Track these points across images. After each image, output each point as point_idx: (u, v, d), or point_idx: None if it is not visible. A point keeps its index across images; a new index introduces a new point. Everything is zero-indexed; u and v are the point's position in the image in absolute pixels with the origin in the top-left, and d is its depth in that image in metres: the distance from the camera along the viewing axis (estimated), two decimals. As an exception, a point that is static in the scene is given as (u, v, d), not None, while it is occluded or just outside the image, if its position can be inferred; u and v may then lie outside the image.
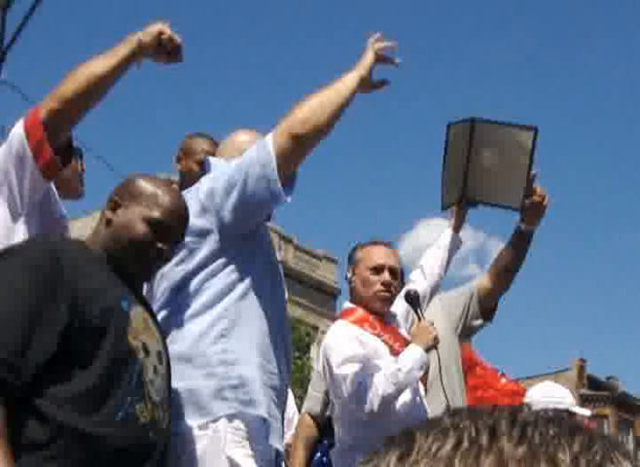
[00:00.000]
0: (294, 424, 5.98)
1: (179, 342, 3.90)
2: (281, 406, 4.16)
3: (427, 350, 4.93)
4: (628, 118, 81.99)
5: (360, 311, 5.15)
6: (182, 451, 3.79)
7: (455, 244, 5.62)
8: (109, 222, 3.66)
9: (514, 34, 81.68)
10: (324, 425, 5.64)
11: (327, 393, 5.42)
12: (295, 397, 6.20)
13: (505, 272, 5.65)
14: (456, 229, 5.59)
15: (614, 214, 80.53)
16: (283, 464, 5.37)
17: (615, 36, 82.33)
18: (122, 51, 3.83)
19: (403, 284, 5.29)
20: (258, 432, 3.93)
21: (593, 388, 46.21)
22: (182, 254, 3.95)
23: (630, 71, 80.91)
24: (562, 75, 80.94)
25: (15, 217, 3.87)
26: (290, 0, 78.89)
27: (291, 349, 4.45)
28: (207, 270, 4.02)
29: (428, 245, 5.80)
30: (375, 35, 4.24)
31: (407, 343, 5.01)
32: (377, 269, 5.14)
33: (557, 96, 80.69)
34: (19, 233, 3.82)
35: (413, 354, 4.88)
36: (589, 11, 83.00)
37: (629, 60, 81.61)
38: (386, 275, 5.13)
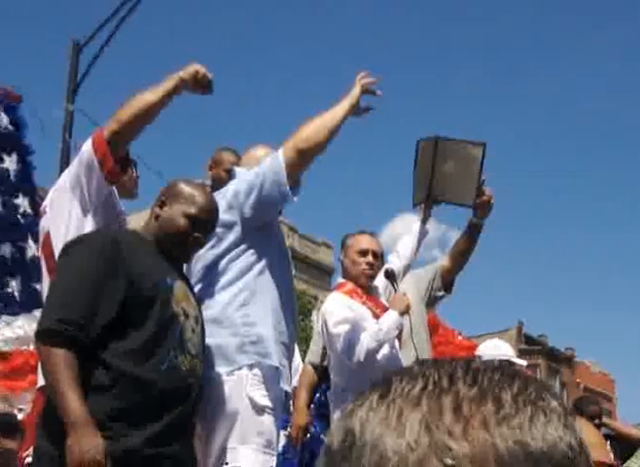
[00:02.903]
0: (299, 372, 5.97)
1: (211, 309, 3.91)
2: (289, 357, 4.17)
3: (401, 315, 4.94)
4: (567, 132, 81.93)
5: (350, 285, 5.15)
6: (213, 393, 3.80)
7: (423, 233, 5.62)
8: (157, 217, 3.67)
9: (474, 66, 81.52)
10: (322, 373, 5.64)
11: (324, 348, 5.42)
12: (299, 351, 6.18)
13: (460, 255, 5.66)
14: (424, 221, 5.59)
15: (552, 198, 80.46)
16: (291, 402, 5.38)
17: (559, 70, 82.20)
18: (167, 85, 3.84)
19: (383, 264, 5.29)
20: (272, 378, 3.93)
21: (528, 344, 46.16)
22: (213, 241, 3.96)
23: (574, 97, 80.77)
24: (516, 98, 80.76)
25: (85, 213, 3.87)
26: (297, 47, 78.72)
27: (297, 314, 4.45)
28: (232, 254, 4.03)
29: (402, 234, 5.80)
30: (362, 73, 4.25)
31: (386, 309, 5.02)
32: (363, 253, 5.15)
33: (511, 115, 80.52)
34: (88, 226, 3.83)
35: (391, 317, 4.89)
36: (541, 43, 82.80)
37: (571, 89, 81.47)
38: (370, 257, 5.14)
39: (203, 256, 4.03)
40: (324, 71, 73.04)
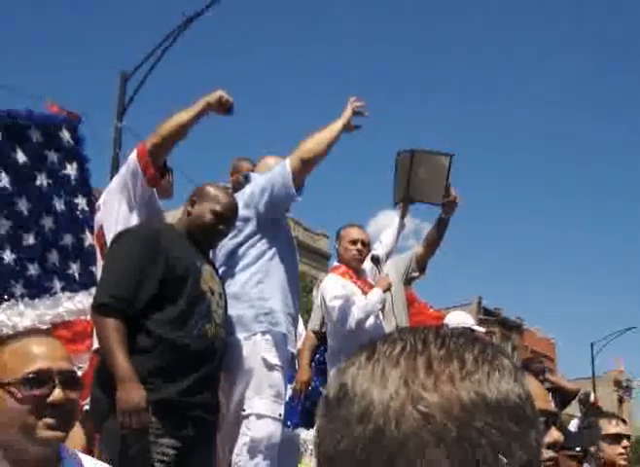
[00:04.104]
0: (302, 337, 5.97)
1: (232, 286, 3.91)
2: (294, 325, 4.17)
3: (384, 292, 4.95)
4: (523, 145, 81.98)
5: (343, 268, 5.15)
6: (234, 353, 3.80)
7: (401, 226, 5.62)
8: (189, 213, 3.68)
9: (445, 89, 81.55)
10: (321, 338, 5.64)
11: (323, 318, 5.43)
12: (302, 320, 6.17)
13: (431, 244, 5.65)
14: (402, 217, 5.58)
15: (507, 189, 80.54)
16: (296, 361, 5.38)
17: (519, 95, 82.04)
18: (196, 107, 3.84)
19: (369, 251, 5.29)
20: (280, 342, 3.94)
21: (486, 315, 46.09)
22: (234, 232, 3.95)
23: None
24: (481, 115, 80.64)
25: (131, 210, 3.87)
26: (303, 77, 78.80)
27: (299, 291, 4.45)
28: (249, 243, 4.03)
29: (385, 227, 5.80)
30: (353, 97, 4.25)
31: (372, 287, 5.02)
32: (354, 242, 5.15)
33: (473, 132, 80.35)
34: (133, 220, 3.83)
35: (376, 294, 4.90)
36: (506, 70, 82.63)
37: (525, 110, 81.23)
38: (359, 246, 5.14)
39: (226, 244, 4.03)
40: (322, 96, 73.10)
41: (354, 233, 5.22)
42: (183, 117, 3.83)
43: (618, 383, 54.91)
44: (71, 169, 4.91)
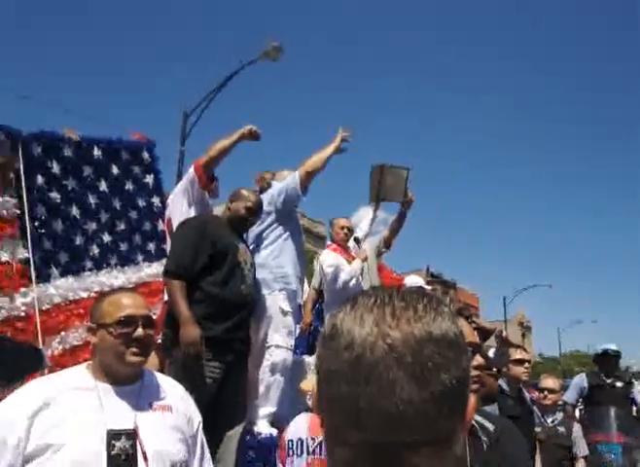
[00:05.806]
0: (306, 293, 5.98)
1: (258, 259, 3.90)
2: (301, 285, 4.17)
3: (363, 262, 4.95)
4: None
5: (334, 246, 5.14)
6: (260, 305, 3.80)
7: (374, 218, 5.61)
8: (229, 208, 3.67)
9: (408, 115, 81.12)
10: (319, 293, 5.65)
11: (321, 280, 5.43)
12: (307, 281, 6.16)
13: (394, 230, 5.65)
14: (375, 211, 5.58)
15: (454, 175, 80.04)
16: (302, 309, 5.39)
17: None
18: (234, 136, 3.83)
19: (352, 234, 5.29)
20: (292, 296, 3.94)
21: (432, 277, 46.09)
22: (260, 221, 3.95)
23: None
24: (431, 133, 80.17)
25: (189, 206, 3.87)
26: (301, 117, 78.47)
27: (305, 262, 4.45)
28: (270, 228, 4.02)
29: (363, 218, 5.79)
30: (342, 127, 4.24)
31: (354, 259, 5.02)
32: (342, 227, 5.13)
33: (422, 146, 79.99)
34: (192, 213, 3.83)
35: (357, 263, 4.89)
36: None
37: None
38: (346, 230, 5.13)
39: (254, 230, 4.02)
40: (323, 126, 73.05)
41: (342, 221, 5.21)
42: (225, 142, 3.82)
43: (521, 324, 55.23)
44: (149, 179, 4.90)
